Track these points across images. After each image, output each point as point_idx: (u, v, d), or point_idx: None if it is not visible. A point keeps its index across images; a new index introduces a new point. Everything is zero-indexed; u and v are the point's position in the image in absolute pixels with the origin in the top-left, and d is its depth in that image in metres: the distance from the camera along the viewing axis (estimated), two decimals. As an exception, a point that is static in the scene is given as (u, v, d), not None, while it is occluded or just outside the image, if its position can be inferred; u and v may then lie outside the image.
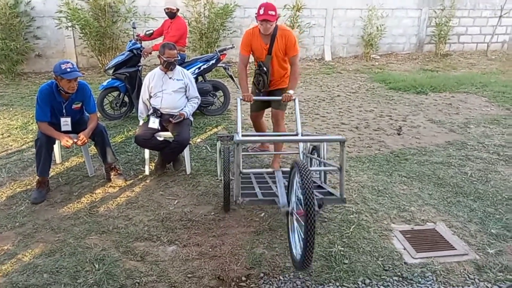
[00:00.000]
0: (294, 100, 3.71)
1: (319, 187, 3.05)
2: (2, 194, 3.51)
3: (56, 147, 3.95)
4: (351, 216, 3.15)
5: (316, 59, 10.54)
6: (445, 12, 10.79)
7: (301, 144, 3.56)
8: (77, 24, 8.34)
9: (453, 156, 4.36)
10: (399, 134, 5.06)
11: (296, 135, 3.61)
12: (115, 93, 5.55)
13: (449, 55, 10.86)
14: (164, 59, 3.78)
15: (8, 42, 7.99)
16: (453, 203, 3.39)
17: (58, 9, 8.33)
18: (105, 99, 5.49)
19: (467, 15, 11.32)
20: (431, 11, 10.98)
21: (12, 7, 8.18)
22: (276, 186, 2.70)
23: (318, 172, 3.25)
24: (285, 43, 3.64)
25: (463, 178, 3.84)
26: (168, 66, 3.82)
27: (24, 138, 4.87)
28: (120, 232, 2.97)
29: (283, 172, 3.04)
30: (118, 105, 5.51)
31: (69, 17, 8.26)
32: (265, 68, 3.73)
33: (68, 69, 3.31)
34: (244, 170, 2.56)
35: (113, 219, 3.16)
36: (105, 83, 5.42)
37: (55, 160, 4.14)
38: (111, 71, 5.36)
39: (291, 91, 3.70)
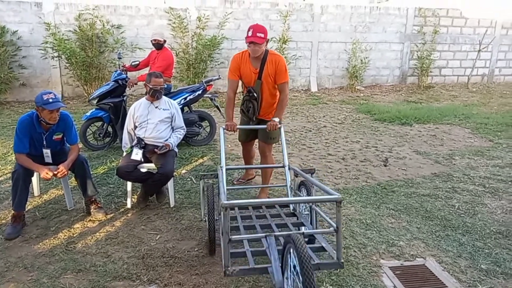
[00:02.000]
0: (280, 129, 3.52)
1: (309, 240, 2.84)
2: (-27, 229, 3.33)
3: (34, 179, 3.81)
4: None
5: (302, 90, 10.68)
6: (426, 46, 11.18)
7: (288, 177, 3.45)
8: (63, 54, 8.32)
9: (440, 188, 4.35)
10: (385, 166, 5.06)
11: (283, 166, 3.53)
12: (99, 123, 5.46)
13: (432, 87, 11.15)
14: (150, 86, 3.75)
15: (-8, 71, 7.90)
16: (442, 237, 3.33)
17: (44, 40, 8.32)
18: (88, 129, 5.39)
19: (447, 49, 11.72)
20: (413, 45, 11.35)
21: (-3, 36, 8.15)
22: (267, 240, 2.38)
23: (307, 211, 3.14)
24: (275, 68, 3.49)
25: (451, 211, 3.81)
26: (154, 95, 3.78)
27: (2, 169, 4.70)
28: (98, 271, 2.81)
29: (272, 216, 2.96)
30: (101, 135, 5.41)
31: (55, 47, 8.25)
32: (255, 94, 3.55)
33: (50, 100, 3.23)
34: (233, 237, 2.25)
35: (91, 256, 3.00)
36: (88, 113, 5.34)
37: (33, 193, 3.99)
38: (95, 101, 5.29)
39: (276, 119, 3.50)
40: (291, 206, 3.30)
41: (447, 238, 3.32)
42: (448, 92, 10.75)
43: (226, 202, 2.13)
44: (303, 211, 3.26)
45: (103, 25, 8.83)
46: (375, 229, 3.47)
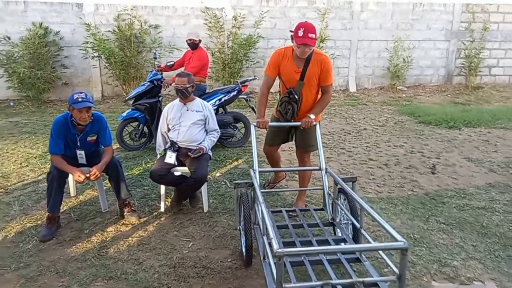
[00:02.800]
0: (315, 126, 3.30)
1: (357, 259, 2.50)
2: (11, 230, 3.34)
3: (70, 180, 3.79)
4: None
5: (340, 90, 10.32)
6: (475, 44, 10.48)
7: (325, 182, 3.19)
8: (103, 54, 8.45)
9: (497, 201, 3.95)
10: (433, 173, 4.69)
11: (319, 169, 3.27)
12: (135, 124, 5.44)
13: (481, 88, 10.44)
14: (174, 86, 3.64)
15: (36, 70, 8.14)
16: (502, 258, 2.98)
17: (84, 40, 8.49)
18: (124, 129, 5.38)
19: (498, 47, 10.94)
20: (460, 42, 10.69)
21: (41, 36, 8.39)
22: None
23: (347, 219, 2.89)
24: (320, 69, 3.23)
25: (511, 227, 3.43)
26: (177, 94, 3.66)
27: (42, 168, 4.76)
28: (128, 279, 2.71)
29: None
30: (137, 136, 5.38)
31: (95, 48, 8.39)
32: (296, 96, 3.26)
33: (80, 99, 3.17)
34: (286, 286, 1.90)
35: (122, 263, 2.91)
36: (124, 114, 5.33)
37: (69, 193, 3.99)
38: (131, 102, 5.27)
39: (312, 116, 3.25)
40: (329, 215, 3.07)
41: (508, 260, 2.96)
42: (499, 93, 10.02)
43: (280, 250, 1.84)
44: (342, 219, 3.02)
45: (141, 25, 8.90)
46: (425, 245, 3.16)
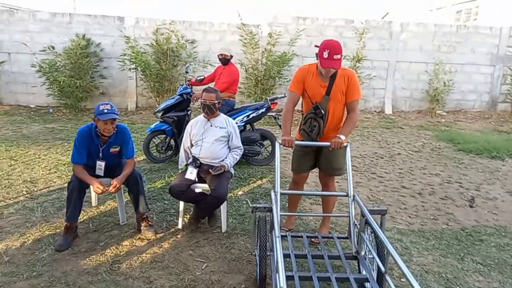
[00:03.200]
0: (345, 148, 3.06)
1: None
2: (29, 237, 3.34)
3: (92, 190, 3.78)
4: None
5: (375, 111, 10.01)
6: (523, 70, 9.91)
7: (352, 210, 2.96)
8: (139, 66, 8.66)
9: (543, 242, 3.57)
10: (471, 207, 4.34)
11: (346, 195, 3.05)
12: (163, 136, 5.44)
13: (528, 116, 9.81)
14: (201, 101, 3.57)
15: (75, 80, 8.44)
16: (548, 310, 2.64)
17: (122, 52, 8.74)
18: (151, 141, 5.40)
19: (549, 73, 10.29)
20: (506, 68, 10.15)
21: (83, 47, 8.73)
22: None
23: (372, 253, 2.64)
24: (347, 84, 3.07)
25: (559, 274, 3.06)
26: (204, 110, 3.59)
27: (69, 175, 4.81)
28: (137, 299, 2.61)
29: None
30: (164, 148, 5.38)
31: (132, 60, 8.61)
32: (322, 111, 3.07)
33: (105, 110, 3.18)
34: None
35: (133, 280, 2.82)
36: (153, 126, 5.35)
37: (90, 203, 3.99)
38: (160, 114, 5.29)
39: (342, 136, 3.02)
40: (354, 247, 2.85)
41: (556, 312, 2.62)
42: (549, 123, 9.36)
43: None
44: (367, 253, 2.79)
45: (178, 40, 9.07)
46: (458, 287, 2.87)
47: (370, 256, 2.76)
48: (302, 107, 3.39)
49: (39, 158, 5.47)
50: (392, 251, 2.10)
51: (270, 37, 9.18)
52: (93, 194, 3.93)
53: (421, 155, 6.42)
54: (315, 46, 3.17)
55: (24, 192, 4.27)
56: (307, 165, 3.41)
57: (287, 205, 4.11)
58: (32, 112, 8.71)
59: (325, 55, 2.85)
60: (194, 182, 3.50)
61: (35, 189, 4.37)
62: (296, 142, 3.13)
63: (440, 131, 8.25)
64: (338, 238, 3.12)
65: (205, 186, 3.52)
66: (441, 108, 9.97)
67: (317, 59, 3.02)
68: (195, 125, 3.67)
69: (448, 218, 4.06)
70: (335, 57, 2.85)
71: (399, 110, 10.16)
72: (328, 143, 3.06)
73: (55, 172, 4.93)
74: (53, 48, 8.71)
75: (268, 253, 2.70)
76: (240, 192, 4.48)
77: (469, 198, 4.55)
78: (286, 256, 2.78)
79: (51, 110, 8.87)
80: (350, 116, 3.18)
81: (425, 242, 3.55)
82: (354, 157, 5.99)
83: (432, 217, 4.08)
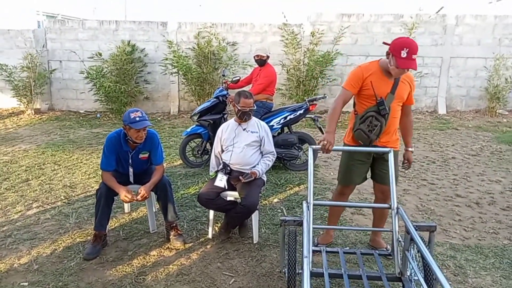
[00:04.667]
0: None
1: None
2: (60, 244, 3.34)
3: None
4: None
5: (427, 111, 9.33)
6: None
7: (396, 224, 2.61)
8: (180, 70, 8.70)
9: None
10: (540, 220, 3.79)
11: (389, 207, 2.72)
12: (199, 140, 5.35)
13: None
14: (239, 108, 3.36)
15: (120, 85, 8.65)
16: None
17: (164, 57, 8.83)
18: (188, 146, 5.32)
19: None
20: None
21: (128, 53, 8.93)
22: None
23: (418, 275, 2.30)
24: (410, 86, 2.89)
25: None
26: (242, 117, 3.40)
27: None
28: (158, 315, 2.47)
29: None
30: (199, 152, 5.28)
31: (174, 64, 8.66)
32: (387, 108, 2.79)
33: (137, 118, 3.09)
34: None
35: (157, 294, 2.68)
36: (189, 129, 5.27)
37: (123, 209, 3.95)
38: (196, 117, 5.19)
39: (411, 149, 3.08)
40: (397, 267, 2.51)
41: None
42: None
43: None
44: (413, 274, 2.44)
45: (219, 43, 9.01)
46: (524, 318, 2.44)
47: (416, 278, 2.42)
48: (354, 107, 3.01)
49: (81, 163, 5.59)
50: (440, 276, 1.77)
51: (313, 36, 8.85)
52: (125, 201, 3.88)
53: (479, 159, 5.81)
54: (384, 43, 2.88)
55: (62, 197, 4.33)
56: (361, 176, 3.08)
57: (326, 216, 3.83)
58: (81, 118, 9.05)
59: (404, 54, 2.59)
60: (224, 189, 3.32)
61: (73, 194, 4.43)
62: (338, 147, 2.84)
63: (501, 132, 7.49)
64: (380, 255, 2.81)
65: (236, 194, 3.33)
66: (502, 107, 9.07)
67: (388, 57, 2.71)
68: (226, 130, 3.49)
69: (510, 232, 3.56)
70: (413, 56, 2.60)
71: (454, 109, 9.40)
72: (387, 149, 2.78)
73: (94, 177, 4.98)
74: (100, 54, 8.99)
75: (299, 271, 2.45)
76: (275, 200, 4.25)
77: (537, 209, 3.99)
78: (319, 275, 2.51)
79: (98, 115, 9.17)
80: (410, 120, 3.07)
81: (483, 260, 3.11)
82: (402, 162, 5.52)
83: (492, 231, 3.59)
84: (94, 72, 8.61)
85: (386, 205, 2.82)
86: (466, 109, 9.40)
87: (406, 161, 3.08)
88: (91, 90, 8.87)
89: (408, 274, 2.46)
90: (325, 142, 2.74)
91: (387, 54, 2.70)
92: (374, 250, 2.90)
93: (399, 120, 2.98)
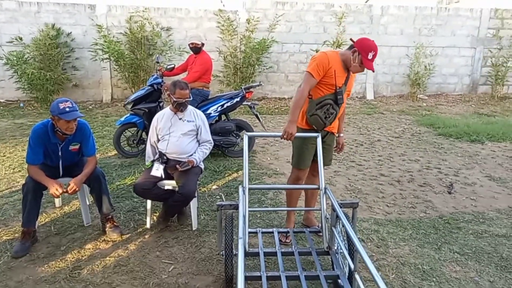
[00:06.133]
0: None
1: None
2: (-16, 243, 3.14)
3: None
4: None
5: (356, 97, 9.91)
6: (503, 52, 9.90)
7: (324, 203, 2.78)
8: (112, 56, 8.33)
9: (521, 229, 3.51)
10: (450, 193, 4.27)
11: (318, 188, 2.92)
12: (134, 129, 5.22)
13: (508, 98, 9.84)
14: (175, 99, 3.35)
15: (45, 72, 8.08)
16: (525, 300, 2.57)
17: (94, 42, 8.39)
18: (122, 135, 5.18)
19: (528, 55, 10.30)
20: (486, 50, 10.11)
21: (52, 37, 8.34)
22: None
23: (342, 248, 2.50)
24: (353, 78, 3.20)
25: (537, 262, 3.00)
26: (178, 108, 3.39)
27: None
28: (95, 308, 2.44)
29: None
30: (135, 142, 5.17)
31: (105, 49, 8.27)
32: (342, 98, 3.00)
33: (67, 109, 2.95)
34: None
35: (94, 287, 2.65)
36: (122, 119, 5.12)
37: (54, 204, 3.78)
38: (129, 106, 5.05)
39: (342, 134, 3.36)
40: (325, 242, 2.72)
41: (532, 303, 2.55)
42: (528, 104, 9.40)
43: None
44: (339, 248, 2.66)
45: (153, 28, 8.75)
46: (434, 278, 2.78)
47: (341, 251, 2.64)
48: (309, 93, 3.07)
49: (4, 156, 5.20)
50: (360, 248, 1.97)
51: (248, 23, 8.93)
52: (56, 194, 3.71)
53: (401, 141, 6.35)
54: (351, 39, 3.01)
55: (-17, 194, 4.03)
56: (311, 157, 3.21)
57: (263, 200, 3.98)
58: (1, 107, 8.33)
59: (370, 56, 2.84)
60: (161, 179, 3.32)
61: (-4, 190, 4.14)
62: (298, 134, 2.93)
63: (421, 115, 8.20)
64: (311, 232, 3.01)
65: (173, 183, 3.34)
66: (422, 92, 9.91)
67: (353, 55, 2.88)
68: (161, 119, 3.47)
69: (426, 206, 3.98)
70: (374, 60, 2.91)
71: (381, 95, 10.08)
72: (315, 134, 2.97)
73: (20, 171, 4.68)
74: (21, 39, 8.30)
75: (236, 253, 2.55)
76: (214, 186, 4.32)
77: (448, 184, 4.48)
78: (254, 254, 2.65)
79: (21, 105, 8.51)
80: (344, 110, 3.27)
81: (402, 232, 3.45)
82: (334, 145, 5.86)
83: (410, 206, 3.99)
84: (15, 58, 7.94)
85: (315, 186, 3.02)
86: (391, 95, 10.13)
87: (339, 146, 3.36)
88: (12, 77, 8.19)
89: (335, 248, 2.68)
90: (289, 132, 2.86)
91: (353, 51, 2.87)
92: (306, 228, 3.10)
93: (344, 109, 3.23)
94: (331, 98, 2.99)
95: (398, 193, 4.29)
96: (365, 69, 2.93)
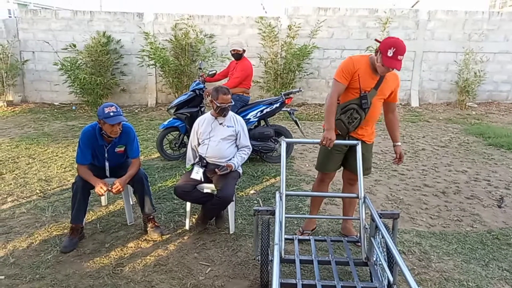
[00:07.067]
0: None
1: None
2: (37, 237, 3.34)
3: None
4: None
5: (400, 104, 9.61)
6: None
7: (362, 213, 2.72)
8: (157, 62, 8.64)
9: None
10: (500, 207, 4.03)
11: (357, 197, 2.86)
12: (176, 133, 5.38)
13: None
14: (218, 104, 3.42)
15: (96, 77, 8.52)
16: None
17: (141, 48, 8.75)
18: (165, 138, 5.35)
19: None
20: (544, 55, 9.47)
21: (103, 44, 8.79)
22: None
23: (382, 259, 2.44)
24: (394, 85, 3.00)
25: None
26: (221, 112, 3.46)
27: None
28: (135, 304, 2.53)
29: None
30: (177, 145, 5.32)
31: (151, 56, 8.60)
32: (368, 102, 2.90)
33: (111, 113, 3.10)
34: None
35: (134, 284, 2.75)
36: (166, 122, 5.30)
37: (100, 203, 3.97)
38: (172, 111, 5.22)
39: (399, 143, 3.19)
40: (364, 253, 2.66)
41: None
42: None
43: None
44: (378, 259, 2.59)
45: (197, 35, 8.99)
46: (480, 298, 2.63)
47: (381, 263, 2.57)
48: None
49: (56, 156, 5.53)
50: (400, 260, 1.90)
51: (290, 30, 8.95)
52: (102, 194, 3.90)
53: (447, 150, 6.08)
54: (375, 40, 2.98)
55: (37, 191, 4.30)
56: (337, 164, 3.22)
57: (300, 206, 3.96)
58: (55, 110, 8.89)
59: (390, 53, 2.69)
60: (200, 182, 3.39)
61: (49, 188, 4.40)
62: (337, 141, 2.92)
63: (469, 124, 7.81)
64: (349, 242, 2.95)
65: (212, 186, 3.41)
66: (472, 100, 9.45)
67: (376, 54, 2.81)
68: (202, 123, 3.55)
69: (473, 220, 3.78)
70: (399, 57, 2.70)
71: (426, 102, 9.72)
72: (355, 142, 2.94)
73: (70, 170, 4.95)
74: (75, 46, 8.82)
75: (272, 259, 2.56)
76: (252, 191, 4.35)
77: (498, 197, 4.23)
78: (290, 261, 2.64)
79: (74, 108, 9.03)
80: (395, 117, 3.18)
81: (446, 246, 3.30)
82: (375, 153, 5.72)
83: (456, 219, 3.81)
84: (69, 64, 8.45)
85: (354, 195, 2.96)
86: (437, 102, 9.73)
87: (397, 155, 3.16)
88: (66, 82, 8.71)
89: (374, 259, 2.61)
90: (328, 138, 2.87)
91: (376, 51, 2.81)
92: (343, 237, 3.05)
93: (378, 115, 3.11)
94: (356, 103, 2.95)
95: (443, 205, 4.11)
96: (399, 73, 2.85)
